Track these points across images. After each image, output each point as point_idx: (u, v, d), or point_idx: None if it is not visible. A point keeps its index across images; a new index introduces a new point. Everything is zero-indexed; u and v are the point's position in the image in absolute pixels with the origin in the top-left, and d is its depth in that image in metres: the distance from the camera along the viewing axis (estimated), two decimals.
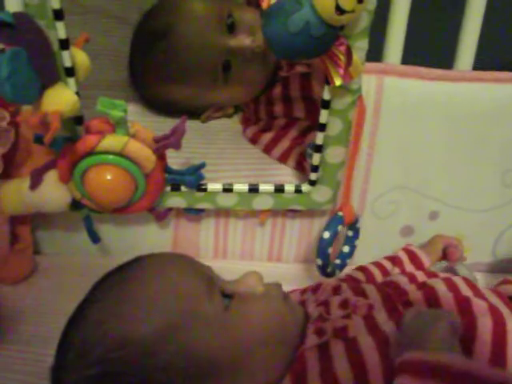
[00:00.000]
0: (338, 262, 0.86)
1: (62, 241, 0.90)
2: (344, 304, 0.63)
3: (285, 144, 0.88)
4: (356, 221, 0.85)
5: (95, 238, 0.83)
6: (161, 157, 0.75)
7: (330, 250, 0.81)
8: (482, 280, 0.89)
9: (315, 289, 0.71)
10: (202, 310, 0.58)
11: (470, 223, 0.92)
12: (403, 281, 0.69)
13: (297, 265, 0.92)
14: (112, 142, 0.71)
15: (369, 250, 0.89)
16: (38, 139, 0.70)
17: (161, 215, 0.84)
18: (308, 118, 0.88)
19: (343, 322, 0.61)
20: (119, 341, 0.55)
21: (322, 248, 0.80)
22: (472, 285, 0.67)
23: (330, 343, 0.59)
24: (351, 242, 0.87)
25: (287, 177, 0.87)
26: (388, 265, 0.82)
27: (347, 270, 0.84)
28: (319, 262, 0.81)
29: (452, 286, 0.65)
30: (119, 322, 0.56)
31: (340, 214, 0.82)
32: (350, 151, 0.76)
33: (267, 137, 0.90)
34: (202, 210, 0.83)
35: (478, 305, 0.61)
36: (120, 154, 0.72)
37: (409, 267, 0.81)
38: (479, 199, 0.91)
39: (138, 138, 0.72)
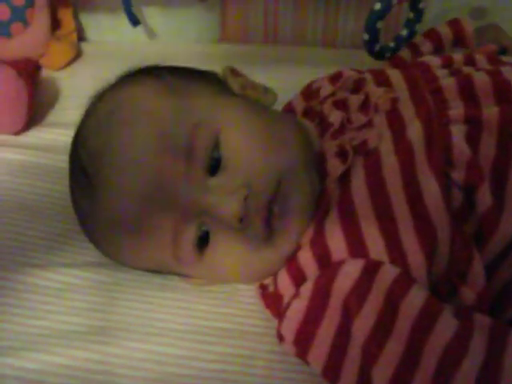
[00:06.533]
0: (392, 45, 0.78)
1: (108, 27, 0.87)
2: (364, 105, 0.55)
3: None
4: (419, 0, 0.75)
5: (134, 20, 0.78)
6: None
7: (380, 25, 0.72)
8: None
9: (334, 78, 0.62)
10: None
11: None
12: (435, 63, 0.59)
13: (352, 50, 0.85)
14: None
15: None
16: None
17: None
18: None
19: (363, 135, 0.53)
20: None
21: (370, 20, 0.72)
22: None
23: (350, 168, 0.52)
24: (412, 25, 0.77)
25: None
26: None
27: None
28: (366, 36, 0.73)
29: (492, 72, 0.55)
30: None
31: None
32: None
33: None
34: None
35: None
36: None
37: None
38: None
39: None
